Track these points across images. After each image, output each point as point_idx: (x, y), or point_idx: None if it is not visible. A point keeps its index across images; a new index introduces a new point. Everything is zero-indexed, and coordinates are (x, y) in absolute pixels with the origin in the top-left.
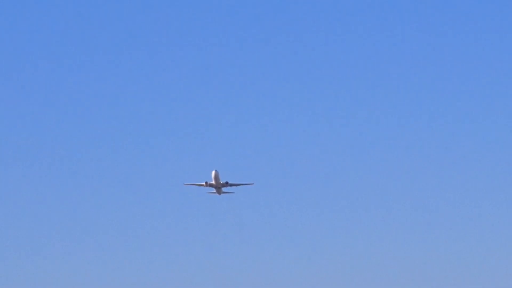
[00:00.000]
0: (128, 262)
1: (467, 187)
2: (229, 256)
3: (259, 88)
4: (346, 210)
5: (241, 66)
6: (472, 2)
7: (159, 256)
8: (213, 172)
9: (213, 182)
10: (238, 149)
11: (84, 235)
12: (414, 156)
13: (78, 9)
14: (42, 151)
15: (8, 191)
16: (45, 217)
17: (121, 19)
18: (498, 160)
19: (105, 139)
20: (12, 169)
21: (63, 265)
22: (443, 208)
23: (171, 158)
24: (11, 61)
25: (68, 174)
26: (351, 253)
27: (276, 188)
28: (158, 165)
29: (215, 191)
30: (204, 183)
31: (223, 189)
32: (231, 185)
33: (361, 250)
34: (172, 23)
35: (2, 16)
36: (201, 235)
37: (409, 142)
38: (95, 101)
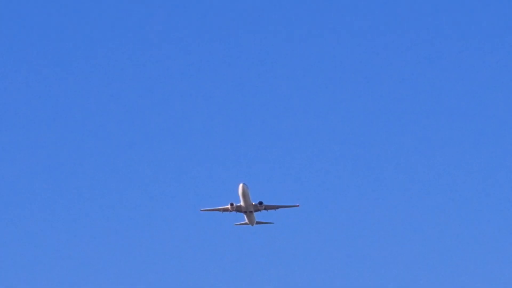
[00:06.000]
0: None
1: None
2: None
3: (302, 90)
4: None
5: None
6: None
7: None
8: (241, 187)
9: (241, 203)
10: (273, 164)
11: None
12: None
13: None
14: (55, 173)
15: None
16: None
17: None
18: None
19: (110, 151)
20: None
21: None
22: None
23: (184, 178)
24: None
25: (71, 201)
26: None
27: (332, 212)
28: (165, 186)
29: (245, 220)
30: (228, 206)
31: (257, 216)
32: (267, 207)
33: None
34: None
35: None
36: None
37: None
38: (106, 118)
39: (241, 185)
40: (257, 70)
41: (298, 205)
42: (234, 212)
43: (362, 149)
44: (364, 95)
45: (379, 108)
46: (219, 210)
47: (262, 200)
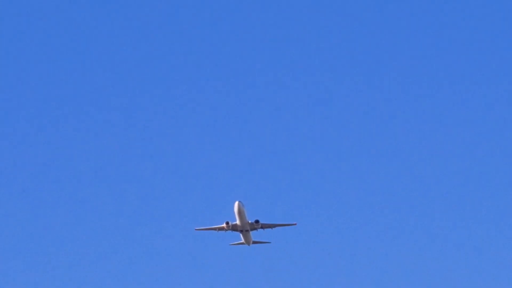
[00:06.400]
0: None
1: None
2: None
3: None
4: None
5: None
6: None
7: None
8: (236, 205)
9: (237, 221)
10: (270, 181)
11: None
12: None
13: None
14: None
15: None
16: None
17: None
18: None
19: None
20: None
21: None
22: None
23: (177, 196)
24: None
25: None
26: None
27: (331, 231)
28: (158, 205)
29: (242, 239)
30: (224, 225)
31: (253, 235)
32: (264, 226)
33: None
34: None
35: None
36: None
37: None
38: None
39: (236, 203)
40: (253, 85)
41: (296, 224)
42: (229, 231)
43: (362, 166)
44: (364, 111)
45: (379, 125)
46: (214, 229)
47: (258, 219)
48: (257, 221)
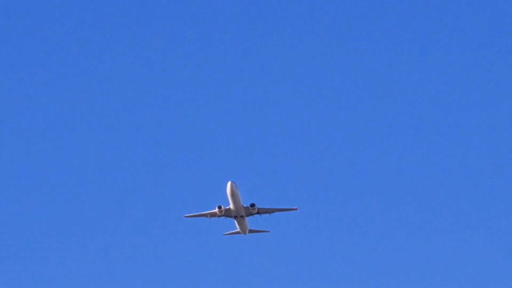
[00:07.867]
0: None
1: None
2: None
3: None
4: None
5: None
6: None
7: None
8: (229, 185)
9: (230, 205)
10: (267, 162)
11: None
12: None
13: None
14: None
15: None
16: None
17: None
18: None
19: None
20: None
21: None
22: None
23: (164, 179)
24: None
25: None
26: None
27: (335, 217)
28: (144, 190)
29: (237, 228)
30: (216, 210)
31: (250, 222)
32: (261, 211)
33: None
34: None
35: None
36: None
37: None
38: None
39: (229, 184)
40: (251, 68)
41: (296, 208)
42: (223, 218)
43: (365, 148)
44: (362, 95)
45: (378, 108)
46: (205, 215)
47: (254, 202)
48: (253, 205)
